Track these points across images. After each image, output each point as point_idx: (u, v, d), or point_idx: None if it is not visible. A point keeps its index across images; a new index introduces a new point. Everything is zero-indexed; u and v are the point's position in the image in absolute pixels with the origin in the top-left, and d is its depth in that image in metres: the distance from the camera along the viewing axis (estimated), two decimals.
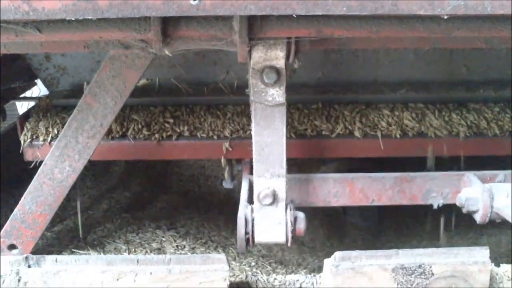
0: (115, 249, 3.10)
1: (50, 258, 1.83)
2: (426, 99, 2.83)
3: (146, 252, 3.11)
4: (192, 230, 3.55)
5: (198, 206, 3.89)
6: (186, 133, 2.72)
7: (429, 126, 2.76)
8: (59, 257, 1.84)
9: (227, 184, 2.87)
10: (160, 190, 4.09)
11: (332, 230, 3.78)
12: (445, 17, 1.54)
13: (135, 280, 1.83)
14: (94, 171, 4.11)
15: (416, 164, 2.80)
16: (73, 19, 1.46)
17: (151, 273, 1.83)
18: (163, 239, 3.33)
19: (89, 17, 1.43)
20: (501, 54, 2.89)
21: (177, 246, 3.25)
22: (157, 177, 4.26)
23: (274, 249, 3.43)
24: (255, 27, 1.70)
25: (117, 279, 1.83)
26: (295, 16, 1.50)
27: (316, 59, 2.85)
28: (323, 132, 2.73)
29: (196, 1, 1.44)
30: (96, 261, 1.83)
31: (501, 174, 2.43)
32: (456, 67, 2.92)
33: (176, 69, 2.85)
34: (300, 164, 3.79)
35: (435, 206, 2.46)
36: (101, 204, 3.73)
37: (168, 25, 1.69)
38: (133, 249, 3.13)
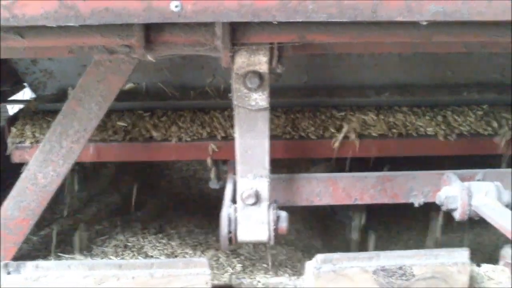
0: (103, 252, 3.10)
1: (30, 264, 1.82)
2: (411, 102, 2.87)
3: (134, 255, 3.11)
4: (182, 233, 3.56)
5: (188, 209, 3.90)
6: (173, 135, 2.73)
7: (417, 127, 2.81)
8: (40, 262, 1.84)
9: (213, 185, 2.91)
10: (150, 193, 4.09)
11: (321, 229, 3.79)
12: (424, 23, 1.57)
13: (117, 285, 1.84)
14: (83, 174, 4.11)
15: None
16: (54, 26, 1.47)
17: (133, 277, 1.84)
18: (152, 242, 3.33)
19: (71, 24, 1.44)
20: (485, 57, 2.93)
21: (166, 249, 3.26)
22: (147, 180, 4.26)
23: (262, 250, 3.45)
24: (237, 33, 1.73)
25: (99, 284, 1.83)
26: (275, 23, 1.52)
27: (302, 63, 2.88)
28: (309, 134, 2.76)
29: (178, 8, 1.46)
30: (78, 266, 1.84)
31: (480, 172, 2.49)
32: (441, 70, 2.97)
33: (163, 73, 2.87)
34: (289, 165, 3.82)
35: (416, 205, 2.53)
36: (90, 207, 3.72)
37: (151, 31, 1.71)
38: (121, 253, 3.13)
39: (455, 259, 1.97)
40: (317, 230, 3.79)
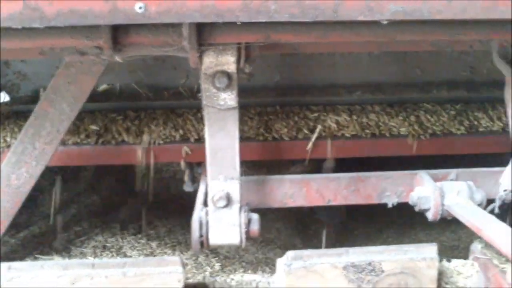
0: (81, 253, 3.11)
1: (4, 265, 1.82)
2: (381, 100, 2.92)
3: (113, 256, 3.12)
4: (161, 233, 3.58)
5: (167, 209, 3.91)
6: (146, 137, 2.74)
7: (390, 128, 2.85)
8: (14, 264, 1.84)
9: (187, 187, 2.91)
10: (129, 194, 4.10)
11: (301, 228, 3.82)
12: (385, 22, 1.60)
13: (91, 284, 1.85)
14: (63, 176, 4.11)
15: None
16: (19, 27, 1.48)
17: (106, 276, 1.85)
18: (131, 242, 3.35)
19: (36, 26, 1.45)
20: (454, 56, 2.99)
21: (145, 249, 3.28)
22: (127, 181, 4.26)
23: (241, 249, 3.47)
24: (204, 33, 1.75)
25: (73, 283, 1.85)
26: (239, 23, 1.55)
27: (274, 63, 2.92)
28: (283, 136, 2.79)
29: (142, 10, 1.48)
30: (52, 266, 1.85)
31: (453, 172, 2.48)
32: (410, 69, 3.02)
33: (137, 74, 2.90)
34: (269, 165, 3.84)
35: (389, 205, 2.52)
36: (70, 209, 3.73)
37: (119, 32, 1.72)
38: (100, 253, 3.14)
39: (424, 255, 2.00)
40: (297, 228, 3.82)
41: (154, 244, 3.33)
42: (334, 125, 2.83)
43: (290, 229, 3.79)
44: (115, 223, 3.58)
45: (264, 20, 1.51)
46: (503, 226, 2.04)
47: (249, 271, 3.10)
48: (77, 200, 3.88)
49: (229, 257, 3.35)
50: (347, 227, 3.87)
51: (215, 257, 3.28)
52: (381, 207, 3.38)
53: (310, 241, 3.73)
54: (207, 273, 2.69)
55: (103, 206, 3.84)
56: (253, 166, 3.85)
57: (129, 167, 4.23)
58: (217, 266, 3.15)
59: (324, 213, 3.87)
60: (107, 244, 3.29)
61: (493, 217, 2.14)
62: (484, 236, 2.06)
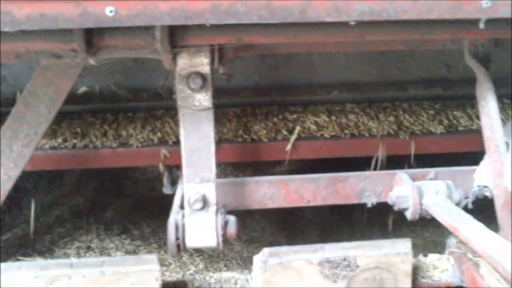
0: (65, 254, 3.13)
1: None
2: (359, 99, 2.95)
3: (96, 256, 3.14)
4: (146, 234, 3.60)
5: (152, 210, 3.93)
6: (125, 140, 2.77)
7: (369, 128, 2.89)
8: None
9: (166, 190, 2.90)
10: (114, 195, 4.12)
11: (285, 226, 3.85)
12: (352, 23, 1.63)
13: (68, 284, 1.87)
14: (47, 178, 4.12)
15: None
16: None
17: (84, 276, 1.87)
18: (116, 243, 3.37)
19: (7, 30, 1.47)
20: (430, 54, 3.03)
21: (129, 249, 3.30)
22: (111, 182, 4.28)
23: (226, 247, 3.50)
24: (177, 35, 1.77)
25: (51, 284, 1.86)
26: (208, 25, 1.58)
27: (252, 64, 2.95)
28: (261, 137, 2.82)
29: (112, 13, 1.50)
30: (29, 267, 1.86)
31: (432, 171, 2.50)
32: (387, 68, 3.06)
33: (116, 76, 2.91)
34: (255, 166, 3.87)
35: (369, 205, 2.53)
36: (54, 211, 3.74)
37: (93, 35, 1.74)
38: (83, 254, 3.16)
39: (398, 250, 2.04)
40: (282, 227, 3.84)
41: (138, 244, 3.35)
42: (313, 126, 2.86)
43: (275, 227, 3.81)
44: (99, 224, 3.60)
45: (233, 22, 1.54)
46: (478, 226, 2.07)
47: (233, 269, 3.14)
48: (62, 202, 3.88)
49: (213, 256, 3.37)
50: (332, 224, 3.91)
51: (199, 256, 3.30)
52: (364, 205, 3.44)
53: (295, 239, 3.75)
54: (187, 272, 2.71)
55: (88, 208, 3.85)
56: (239, 167, 3.89)
57: (113, 169, 4.28)
58: (201, 265, 3.18)
59: (309, 210, 3.92)
60: (91, 245, 3.31)
61: (469, 217, 2.16)
62: (459, 236, 2.08)
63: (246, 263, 3.28)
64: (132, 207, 3.96)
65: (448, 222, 2.16)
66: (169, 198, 4.01)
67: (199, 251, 3.41)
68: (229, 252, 3.48)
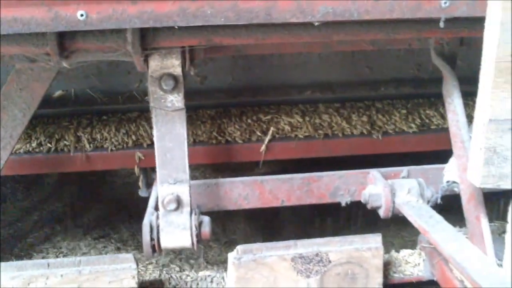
0: (43, 258, 3.13)
1: None
2: (332, 99, 3.01)
3: None
4: (124, 237, 3.62)
5: (131, 214, 3.95)
6: (99, 144, 2.79)
7: (343, 128, 2.95)
8: None
9: (142, 193, 2.93)
10: (93, 199, 4.14)
11: (264, 228, 3.88)
12: (317, 23, 1.68)
13: (46, 283, 1.90)
14: (25, 183, 4.12)
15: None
16: None
17: (62, 275, 1.91)
18: (94, 246, 3.39)
19: None
20: (401, 54, 3.10)
21: (107, 252, 3.32)
22: (90, 186, 4.29)
23: (205, 250, 3.54)
24: (148, 38, 1.81)
25: (28, 284, 1.90)
26: (177, 27, 1.62)
27: (226, 65, 2.99)
28: (236, 139, 2.86)
29: (83, 17, 1.54)
30: (6, 268, 1.89)
31: (404, 170, 2.52)
32: (359, 68, 3.11)
33: (91, 79, 2.93)
34: (234, 167, 3.90)
35: (343, 204, 2.55)
36: (32, 216, 3.75)
37: (65, 39, 1.77)
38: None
39: (369, 245, 2.10)
40: (261, 228, 3.87)
41: (117, 247, 3.37)
42: (287, 127, 2.91)
43: (255, 229, 3.85)
44: (78, 228, 3.62)
45: (201, 24, 1.59)
46: (448, 229, 2.11)
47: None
48: (40, 207, 3.89)
49: (193, 258, 3.41)
50: (313, 225, 3.95)
51: (177, 257, 3.34)
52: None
53: (274, 240, 3.79)
54: (163, 271, 2.73)
55: (66, 213, 3.86)
56: (218, 169, 3.92)
57: (91, 174, 4.29)
58: (179, 267, 3.21)
59: (289, 214, 3.96)
60: (70, 249, 3.33)
61: (440, 219, 2.20)
62: (429, 239, 2.13)
63: (224, 265, 3.31)
64: (111, 211, 3.97)
65: (419, 223, 2.19)
66: (147, 202, 4.06)
67: (177, 254, 3.44)
68: (209, 254, 3.52)
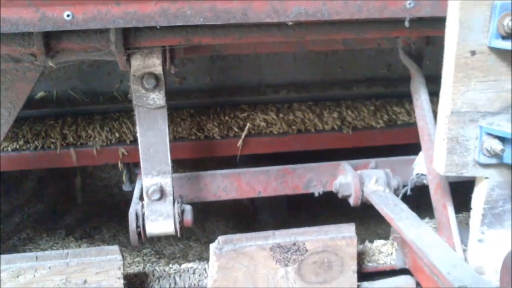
0: None
1: None
2: (306, 98, 3.12)
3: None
4: (106, 238, 3.68)
5: (112, 215, 4.00)
6: (84, 141, 2.86)
7: (315, 124, 3.05)
8: None
9: (126, 187, 3.02)
10: (74, 201, 4.18)
11: (243, 228, 3.96)
12: (290, 23, 1.78)
13: (34, 275, 1.97)
14: (5, 186, 4.15)
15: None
16: None
17: (50, 267, 1.97)
18: (76, 247, 3.44)
19: None
20: (372, 54, 3.22)
21: None
22: (71, 189, 4.33)
23: (188, 251, 3.61)
24: (130, 38, 1.89)
25: (17, 276, 1.96)
26: (158, 27, 1.71)
27: (204, 66, 3.09)
28: (214, 135, 2.95)
29: (70, 17, 1.62)
30: None
31: (372, 161, 2.70)
32: (332, 68, 3.23)
33: (72, 80, 3.01)
34: (218, 161, 3.97)
35: (316, 194, 2.71)
36: (13, 218, 3.78)
37: (51, 39, 1.84)
38: None
39: (344, 234, 2.19)
40: (239, 228, 3.95)
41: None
42: (263, 123, 3.01)
43: (234, 228, 3.93)
44: (60, 229, 3.66)
45: (181, 24, 1.68)
46: (411, 217, 2.26)
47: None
48: (21, 209, 3.92)
49: (175, 257, 3.48)
50: (291, 225, 4.02)
51: (160, 258, 3.41)
52: (324, 204, 3.58)
53: None
54: (147, 264, 2.81)
55: (48, 214, 3.90)
56: (202, 163, 3.99)
57: (71, 176, 4.34)
58: (162, 263, 3.28)
59: (265, 212, 4.05)
60: (53, 249, 3.37)
61: (404, 207, 2.35)
62: (394, 226, 2.27)
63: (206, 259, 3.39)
64: (91, 213, 4.03)
65: (385, 211, 2.34)
66: (128, 204, 4.14)
67: (160, 253, 3.51)
68: (189, 253, 3.59)
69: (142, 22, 1.66)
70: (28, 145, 2.82)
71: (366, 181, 2.56)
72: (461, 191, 2.13)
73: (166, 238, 3.63)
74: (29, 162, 2.81)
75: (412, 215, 2.27)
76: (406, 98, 3.17)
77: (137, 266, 3.04)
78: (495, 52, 1.65)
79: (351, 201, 2.57)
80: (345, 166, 2.64)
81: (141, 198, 2.27)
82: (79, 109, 2.98)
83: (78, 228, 3.73)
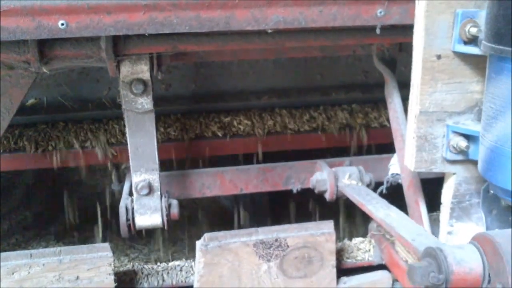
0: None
1: None
2: (287, 104, 3.25)
3: None
4: (96, 242, 3.74)
5: (102, 221, 4.07)
6: (75, 144, 2.96)
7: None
8: None
9: (115, 186, 3.12)
10: (62, 208, 4.24)
11: (228, 226, 4.05)
12: (269, 31, 1.91)
13: (29, 272, 2.06)
14: None
15: None
16: None
17: (43, 264, 2.06)
18: None
19: None
20: (349, 61, 3.36)
21: None
22: (59, 196, 4.39)
23: (176, 250, 3.71)
24: (119, 45, 2.00)
25: (13, 273, 2.04)
26: (147, 35, 1.83)
27: (189, 73, 3.20)
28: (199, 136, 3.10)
29: (64, 26, 1.73)
30: None
31: (347, 160, 2.87)
32: (311, 74, 3.35)
33: (62, 87, 3.10)
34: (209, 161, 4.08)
35: (294, 191, 2.87)
36: (1, 225, 3.83)
37: (45, 47, 1.95)
38: None
39: (323, 230, 2.30)
40: (224, 226, 4.04)
41: None
42: (246, 128, 3.14)
43: (222, 225, 4.02)
44: (49, 235, 3.73)
45: (168, 32, 1.79)
46: (381, 202, 2.39)
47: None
48: (9, 217, 3.97)
49: (162, 259, 3.58)
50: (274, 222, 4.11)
51: (147, 258, 3.50)
52: (306, 203, 3.70)
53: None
54: (135, 262, 2.90)
55: (36, 221, 3.96)
56: (192, 163, 4.10)
57: (59, 184, 4.40)
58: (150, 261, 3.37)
59: (247, 212, 4.14)
60: None
61: (375, 195, 2.49)
62: (365, 210, 2.39)
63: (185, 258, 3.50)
64: (82, 219, 4.09)
65: (357, 199, 2.47)
66: (116, 211, 4.22)
67: (148, 255, 3.60)
68: (176, 254, 3.69)
69: (132, 30, 1.77)
70: (20, 147, 2.92)
71: (341, 176, 2.71)
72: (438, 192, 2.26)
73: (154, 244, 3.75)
74: (22, 163, 2.93)
75: (382, 200, 2.40)
76: (381, 103, 3.30)
77: (128, 263, 3.13)
78: (459, 56, 1.78)
79: (327, 196, 2.71)
80: (321, 163, 2.78)
81: (130, 194, 2.39)
82: (69, 115, 3.08)
83: (67, 234, 3.79)
